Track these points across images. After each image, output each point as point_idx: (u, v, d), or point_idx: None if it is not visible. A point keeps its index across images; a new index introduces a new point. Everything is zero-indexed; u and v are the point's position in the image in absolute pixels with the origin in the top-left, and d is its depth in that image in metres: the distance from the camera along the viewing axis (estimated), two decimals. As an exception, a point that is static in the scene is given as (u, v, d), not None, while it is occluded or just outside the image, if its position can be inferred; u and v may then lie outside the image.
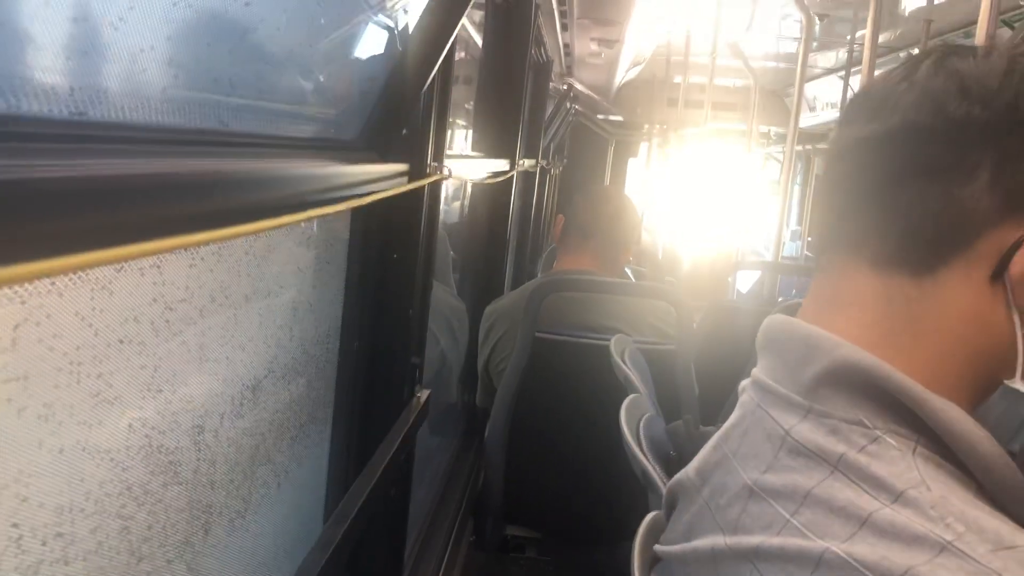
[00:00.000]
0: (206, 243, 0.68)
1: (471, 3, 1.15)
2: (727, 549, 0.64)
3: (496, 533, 2.35)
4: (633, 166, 9.17)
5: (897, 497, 0.56)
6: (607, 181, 8.68)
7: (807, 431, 0.62)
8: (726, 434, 0.74)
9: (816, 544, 0.56)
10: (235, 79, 0.78)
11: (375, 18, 1.08)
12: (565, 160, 7.75)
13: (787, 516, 0.60)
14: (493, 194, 2.71)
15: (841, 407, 0.61)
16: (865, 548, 0.54)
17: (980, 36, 1.99)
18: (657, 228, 8.12)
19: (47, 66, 0.50)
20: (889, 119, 0.65)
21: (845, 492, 0.57)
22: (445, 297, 2.38)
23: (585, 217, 2.35)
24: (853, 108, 0.70)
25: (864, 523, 0.55)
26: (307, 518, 1.10)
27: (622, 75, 5.98)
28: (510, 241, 2.98)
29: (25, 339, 0.49)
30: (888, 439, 0.59)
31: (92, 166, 0.49)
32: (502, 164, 2.47)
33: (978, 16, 1.98)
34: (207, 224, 0.58)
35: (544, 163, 4.77)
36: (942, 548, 0.52)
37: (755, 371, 0.73)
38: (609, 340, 1.72)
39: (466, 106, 2.94)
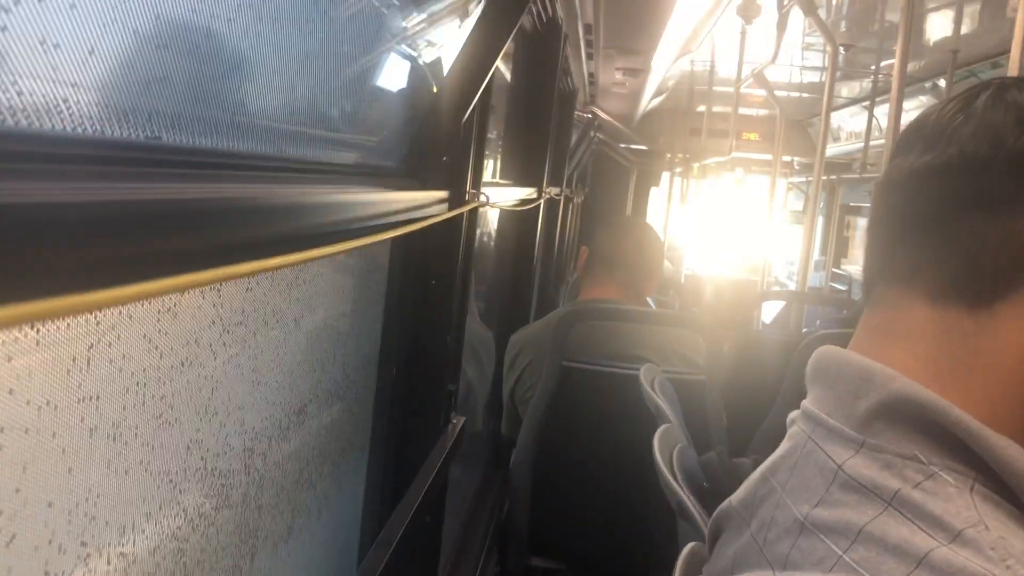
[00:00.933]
0: (261, 272, 0.70)
1: (511, 37, 1.16)
2: None
3: (520, 563, 2.34)
4: (655, 195, 9.18)
5: (955, 537, 0.54)
6: (629, 210, 8.69)
7: (860, 466, 0.61)
8: (774, 466, 0.73)
9: None
10: (286, 107, 0.80)
11: (418, 51, 1.11)
12: (587, 189, 7.77)
13: (839, 552, 0.58)
14: (520, 222, 2.72)
15: (896, 442, 0.60)
16: None
17: (1013, 67, 1.99)
18: (680, 258, 8.11)
19: (119, 88, 0.52)
20: (946, 150, 0.64)
21: (900, 530, 0.56)
22: (471, 325, 2.39)
23: (609, 248, 2.36)
24: (907, 139, 0.69)
25: (920, 562, 0.54)
26: (343, 545, 1.10)
27: (645, 104, 6.01)
28: (536, 269, 2.98)
29: (97, 359, 0.50)
30: (944, 475, 0.58)
31: (158, 190, 0.51)
32: (530, 192, 2.49)
33: (1006, 46, 1.98)
34: (261, 252, 0.59)
35: (568, 191, 4.79)
36: None
37: (805, 403, 0.72)
38: (637, 369, 1.72)
39: (489, 135, 2.96)
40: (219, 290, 0.65)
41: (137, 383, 0.55)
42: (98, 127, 0.47)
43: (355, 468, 1.13)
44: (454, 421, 1.27)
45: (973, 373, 0.62)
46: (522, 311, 2.81)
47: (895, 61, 2.82)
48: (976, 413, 0.59)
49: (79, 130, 0.45)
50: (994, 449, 0.58)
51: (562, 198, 4.20)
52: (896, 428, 0.61)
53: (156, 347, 0.57)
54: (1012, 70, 1.98)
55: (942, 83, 4.38)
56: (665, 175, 8.89)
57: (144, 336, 0.55)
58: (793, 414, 0.75)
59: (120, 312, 0.52)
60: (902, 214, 0.68)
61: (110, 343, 0.51)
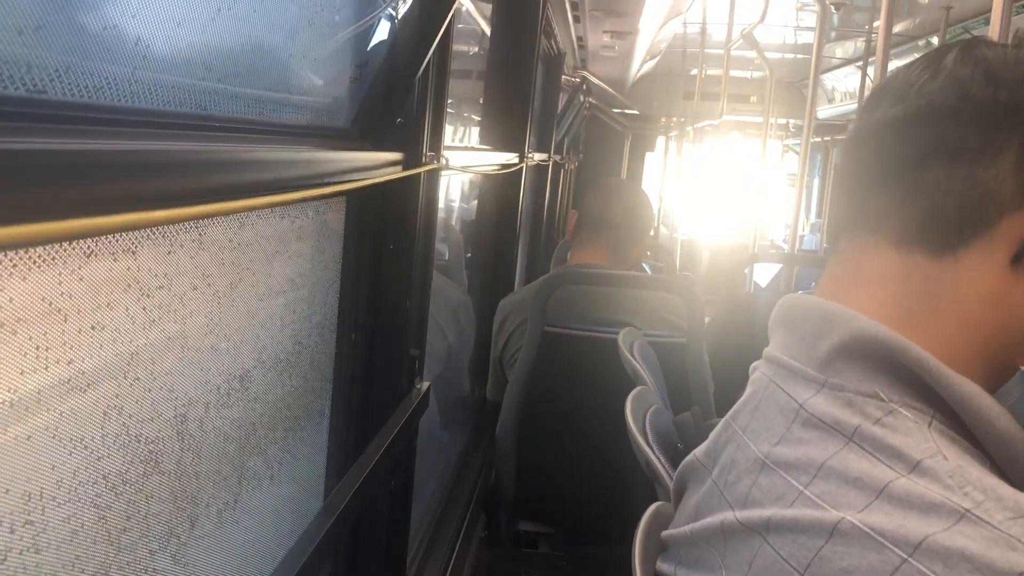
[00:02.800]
0: (186, 219, 0.68)
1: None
2: (736, 523, 0.63)
3: (508, 528, 2.35)
4: (650, 160, 9.12)
5: (914, 467, 0.56)
6: (624, 176, 8.64)
7: (821, 404, 0.62)
8: (736, 412, 0.74)
9: (830, 514, 0.56)
10: (225, 65, 0.77)
11: (370, 4, 1.07)
12: (581, 155, 7.72)
13: (800, 487, 0.59)
14: (502, 188, 2.69)
15: (856, 380, 0.62)
16: (881, 517, 0.54)
17: (994, 24, 1.95)
18: (675, 222, 8.08)
19: (47, 46, 0.50)
20: (914, 103, 0.66)
21: (861, 463, 0.57)
22: (450, 291, 2.38)
23: (598, 211, 2.34)
24: (876, 95, 0.71)
25: (880, 493, 0.55)
26: (304, 510, 1.09)
27: (637, 68, 5.95)
28: (520, 235, 2.96)
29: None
30: (904, 412, 0.59)
31: (78, 143, 0.49)
32: (510, 157, 2.45)
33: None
34: (188, 200, 0.58)
35: (558, 157, 4.75)
36: (961, 516, 0.52)
37: (768, 349, 0.73)
38: (618, 333, 1.71)
39: (480, 101, 2.93)
40: (135, 253, 0.63)
41: (36, 347, 0.53)
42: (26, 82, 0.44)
43: (315, 434, 1.12)
44: (419, 386, 1.26)
45: (934, 316, 0.64)
46: (506, 277, 2.80)
47: (881, 20, 2.78)
48: (936, 354, 0.61)
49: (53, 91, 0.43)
50: (952, 386, 0.59)
51: (550, 164, 4.17)
52: (857, 367, 0.62)
53: (59, 310, 0.55)
54: (993, 25, 1.94)
55: (935, 41, 4.33)
56: (660, 140, 8.83)
57: (43, 299, 0.53)
58: (756, 362, 0.76)
59: (11, 273, 0.50)
60: (870, 165, 0.69)
61: (1, 305, 0.49)
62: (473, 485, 2.37)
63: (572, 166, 6.70)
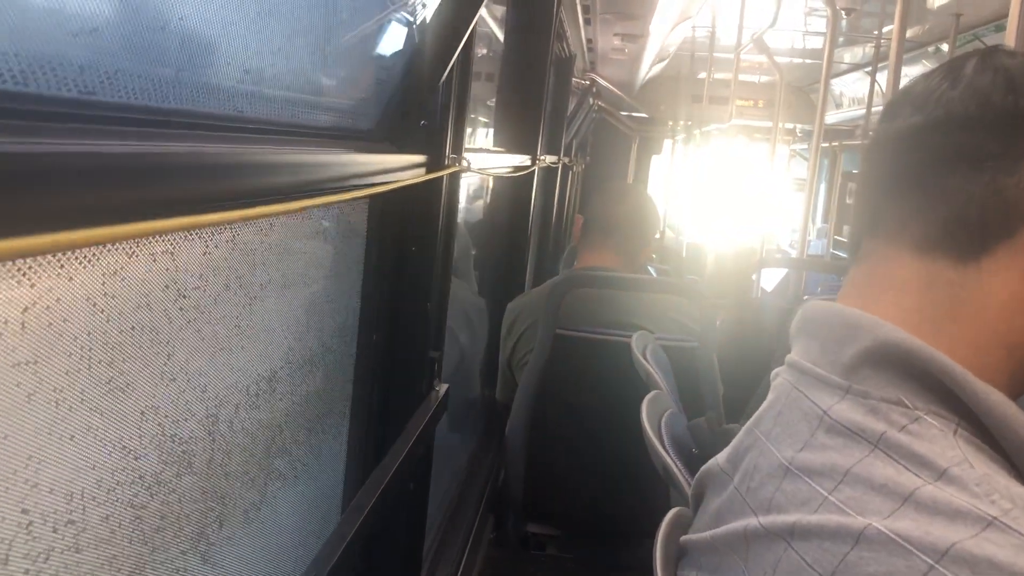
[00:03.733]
0: (218, 224, 0.68)
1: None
2: (760, 528, 0.63)
3: (517, 530, 2.35)
4: (657, 163, 9.11)
5: (941, 475, 0.56)
6: (630, 178, 8.63)
7: (846, 410, 0.62)
8: (759, 418, 0.74)
9: (856, 520, 0.55)
10: (255, 67, 0.78)
11: (394, 9, 1.08)
12: (588, 157, 7.72)
13: (825, 493, 0.59)
14: (514, 190, 2.70)
15: (881, 387, 0.61)
16: (908, 524, 0.53)
17: (1011, 30, 1.95)
18: (681, 226, 8.07)
19: (86, 46, 0.51)
20: (934, 111, 0.66)
21: (886, 470, 0.57)
22: (463, 293, 2.38)
23: (605, 214, 2.34)
24: (895, 104, 0.71)
25: (907, 500, 0.55)
26: (325, 511, 1.09)
27: (646, 71, 5.94)
28: (531, 237, 2.96)
29: (34, 323, 0.48)
30: (929, 419, 0.59)
31: (110, 145, 0.50)
32: (523, 160, 2.46)
33: (1008, 9, 1.94)
34: (219, 206, 0.58)
35: (567, 160, 4.75)
36: (988, 523, 0.52)
37: (790, 356, 0.73)
38: (630, 336, 1.71)
39: (488, 103, 2.93)
40: (172, 254, 0.63)
41: (80, 347, 0.54)
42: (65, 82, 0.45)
43: (335, 436, 1.13)
44: (437, 388, 1.26)
45: (958, 323, 0.64)
46: (518, 279, 2.80)
47: (895, 24, 2.78)
48: (960, 361, 0.61)
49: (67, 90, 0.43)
50: (978, 394, 0.59)
51: (560, 166, 4.17)
52: (882, 374, 0.62)
53: (101, 311, 0.55)
54: (1010, 32, 1.94)
55: (945, 47, 4.33)
56: (667, 143, 8.82)
57: (87, 299, 0.54)
58: (777, 369, 0.76)
59: (59, 274, 0.50)
60: (891, 172, 0.69)
61: (48, 306, 0.50)
62: (483, 487, 2.37)
63: (579, 168, 6.69)
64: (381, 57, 1.07)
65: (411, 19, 1.08)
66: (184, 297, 0.66)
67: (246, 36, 0.76)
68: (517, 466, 2.22)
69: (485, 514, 2.33)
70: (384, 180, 0.97)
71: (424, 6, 1.09)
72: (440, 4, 1.08)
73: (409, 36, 1.08)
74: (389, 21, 1.06)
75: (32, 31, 0.47)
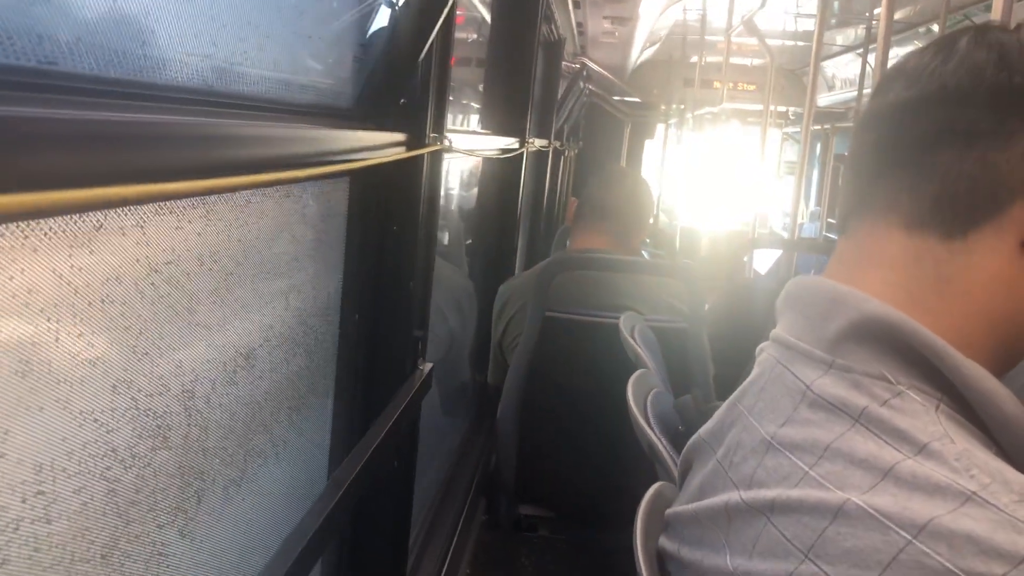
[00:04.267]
0: (192, 193, 0.68)
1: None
2: (741, 503, 0.63)
3: (509, 512, 2.35)
4: (650, 148, 9.10)
5: (920, 449, 0.56)
6: (623, 163, 8.63)
7: (829, 385, 0.62)
8: (742, 392, 0.74)
9: (835, 495, 0.56)
10: (232, 42, 0.78)
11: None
12: (580, 142, 7.70)
13: (805, 468, 0.59)
14: (503, 173, 2.69)
15: (864, 361, 0.62)
16: (887, 499, 0.54)
17: (995, 12, 1.95)
18: (674, 210, 8.07)
19: (51, 19, 0.50)
20: (927, 85, 0.65)
21: (867, 444, 0.57)
22: (452, 276, 2.38)
23: (599, 197, 2.34)
24: (888, 78, 0.71)
25: (886, 474, 0.55)
26: (308, 489, 1.09)
27: (637, 55, 5.93)
28: (520, 221, 2.96)
29: (-2, 294, 0.48)
30: (911, 394, 0.59)
31: (81, 113, 0.49)
32: (510, 142, 2.45)
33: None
34: (191, 175, 0.58)
35: (558, 144, 4.74)
36: (967, 498, 0.52)
37: (775, 331, 0.73)
38: (618, 318, 1.72)
39: (480, 87, 2.92)
40: (143, 228, 0.63)
41: (47, 319, 0.54)
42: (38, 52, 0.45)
43: (319, 414, 1.13)
44: (421, 367, 1.26)
45: (943, 299, 0.64)
46: (507, 262, 2.80)
47: (882, 6, 2.77)
48: (945, 337, 0.61)
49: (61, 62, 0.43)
50: (960, 369, 0.59)
51: (551, 150, 4.16)
52: (865, 348, 0.62)
53: (69, 283, 0.55)
54: (995, 11, 1.94)
55: (935, 28, 4.32)
56: (660, 128, 8.81)
57: (53, 271, 0.54)
58: (762, 344, 0.76)
59: (23, 244, 0.50)
60: (881, 147, 0.69)
61: (11, 276, 0.50)
62: (474, 469, 2.38)
63: (572, 153, 6.68)
64: (359, 34, 1.07)
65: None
66: (156, 272, 0.66)
67: (223, 10, 0.76)
68: (508, 448, 2.22)
69: (476, 497, 2.33)
70: (364, 157, 0.97)
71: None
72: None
73: (389, 12, 1.08)
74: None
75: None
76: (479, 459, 2.46)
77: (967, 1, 4.00)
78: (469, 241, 3.02)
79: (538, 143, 3.27)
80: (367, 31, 1.08)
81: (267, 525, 0.93)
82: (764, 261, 6.18)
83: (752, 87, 7.36)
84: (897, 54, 2.93)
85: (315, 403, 1.09)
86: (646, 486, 1.08)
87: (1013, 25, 0.69)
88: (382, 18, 1.08)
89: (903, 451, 0.56)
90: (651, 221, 2.79)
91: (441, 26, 1.11)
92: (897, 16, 4.49)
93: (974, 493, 0.52)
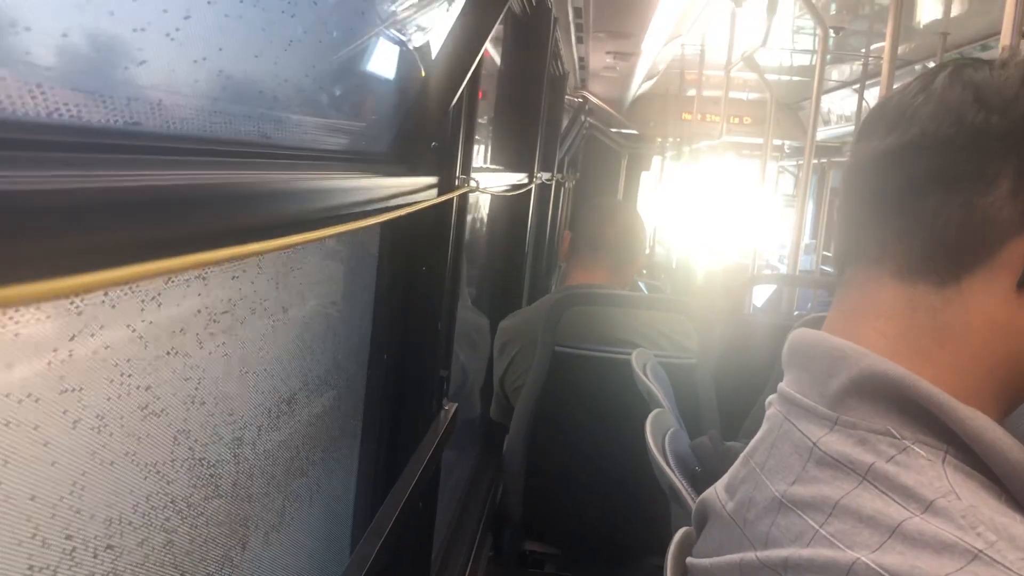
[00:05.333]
0: (245, 257, 0.69)
1: (498, 21, 1.15)
2: (756, 562, 0.63)
3: (515, 548, 2.34)
4: (646, 180, 9.16)
5: (927, 507, 0.56)
6: (620, 195, 8.68)
7: (835, 442, 0.62)
8: (753, 449, 0.74)
9: (846, 554, 0.56)
10: (272, 92, 0.79)
11: (406, 35, 1.09)
12: (578, 173, 7.75)
13: (816, 527, 0.59)
14: (511, 207, 2.71)
15: (868, 417, 0.61)
16: (895, 558, 0.54)
17: (1003, 48, 1.98)
18: (670, 242, 8.10)
19: (100, 76, 0.51)
20: (907, 131, 0.65)
21: (874, 502, 0.57)
22: (465, 312, 2.38)
23: (594, 231, 2.36)
24: (870, 123, 0.71)
25: (893, 532, 0.55)
26: (336, 533, 1.09)
27: (635, 88, 5.99)
28: (528, 254, 2.98)
29: (80, 350, 0.49)
30: (917, 449, 0.59)
31: (138, 176, 0.50)
32: (520, 178, 2.47)
33: (995, 29, 1.98)
34: (246, 238, 0.58)
35: (559, 176, 4.77)
36: (974, 556, 0.52)
37: (781, 385, 0.73)
38: (629, 354, 1.72)
39: (480, 120, 2.94)
40: (205, 279, 0.64)
41: (121, 373, 0.54)
42: (74, 112, 0.46)
43: (347, 456, 1.13)
44: (446, 408, 1.26)
45: (942, 347, 0.64)
46: (515, 296, 2.81)
47: (886, 43, 2.82)
48: (946, 386, 0.61)
49: (54, 116, 0.44)
50: (964, 420, 0.59)
51: (553, 183, 4.19)
52: (868, 404, 0.62)
53: (140, 337, 0.56)
54: (1002, 50, 1.97)
55: (931, 66, 4.36)
56: (656, 160, 8.87)
57: (128, 325, 0.54)
58: (770, 397, 0.76)
59: (103, 301, 0.51)
60: (868, 196, 0.69)
61: (92, 333, 0.50)
62: (482, 505, 2.37)
63: (570, 185, 6.73)
64: (395, 82, 1.09)
65: (424, 45, 1.09)
66: (215, 322, 0.66)
67: (274, 63, 0.77)
68: (515, 483, 2.22)
69: (484, 532, 2.32)
70: (399, 203, 0.98)
71: (435, 32, 1.11)
72: (451, 30, 1.09)
73: (422, 61, 1.10)
74: (402, 47, 1.07)
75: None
76: (487, 494, 2.45)
77: (964, 40, 4.06)
78: (470, 271, 3.02)
79: (543, 177, 3.30)
80: (403, 79, 1.09)
81: (304, 571, 0.92)
82: (761, 293, 6.21)
83: (748, 120, 7.43)
84: (891, 90, 2.95)
85: (346, 444, 1.09)
86: (653, 524, 1.08)
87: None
88: (414, 67, 1.09)
89: (910, 508, 0.56)
90: (647, 253, 2.79)
91: (471, 74, 1.13)
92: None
93: (981, 551, 0.52)
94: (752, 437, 0.79)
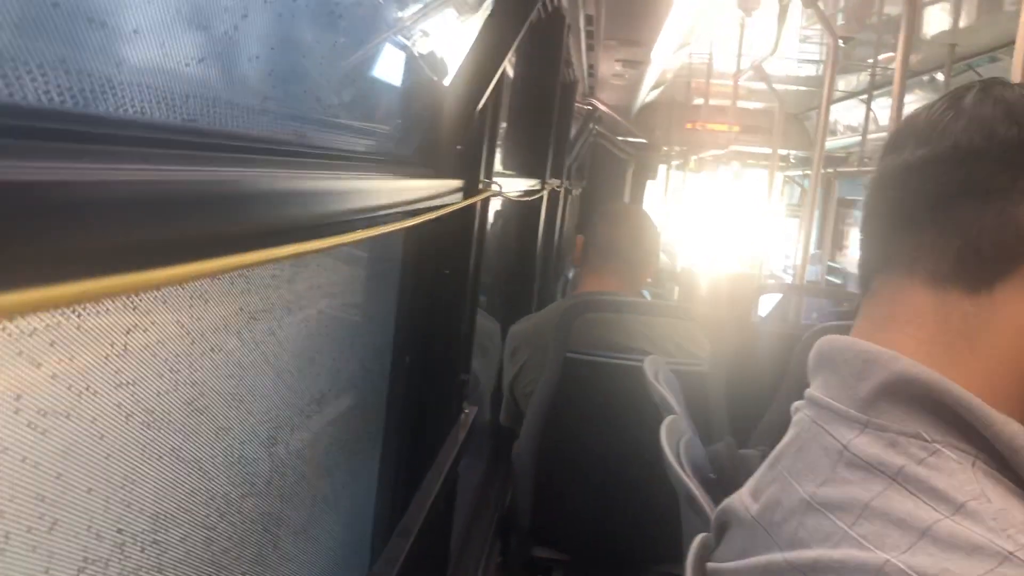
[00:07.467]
0: (286, 258, 0.69)
1: (524, 28, 1.16)
2: (784, 563, 0.63)
3: (523, 554, 2.34)
4: (651, 188, 9.17)
5: (958, 509, 0.56)
6: (627, 202, 8.68)
7: (865, 444, 0.62)
8: (780, 453, 0.74)
9: (876, 556, 0.56)
10: (311, 96, 0.79)
11: (433, 42, 1.10)
12: (585, 180, 7.76)
13: (845, 528, 0.59)
14: (522, 213, 2.71)
15: (899, 420, 0.62)
16: (926, 559, 0.54)
17: (1018, 60, 1.98)
18: (676, 251, 8.11)
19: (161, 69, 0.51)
20: (939, 144, 0.66)
21: (905, 504, 0.57)
22: (480, 318, 2.38)
23: (606, 238, 2.35)
24: (898, 137, 0.72)
25: (924, 534, 0.55)
26: (358, 534, 1.09)
27: (643, 96, 6.01)
28: (538, 260, 2.98)
29: (134, 344, 0.49)
30: (947, 452, 0.59)
31: (197, 173, 0.50)
32: (533, 183, 2.48)
33: (1003, 40, 1.98)
34: (287, 238, 0.59)
35: (567, 183, 4.78)
36: (1004, 558, 0.52)
37: (809, 391, 0.73)
38: (640, 361, 1.72)
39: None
40: (247, 277, 0.64)
41: (170, 369, 0.54)
42: (139, 108, 0.46)
43: (369, 457, 1.13)
44: (466, 411, 1.27)
45: (974, 353, 0.64)
46: (525, 302, 2.81)
47: (896, 54, 2.82)
48: (976, 391, 0.61)
49: (122, 111, 0.44)
50: (995, 425, 0.60)
51: (562, 190, 4.20)
52: (899, 407, 0.62)
53: (188, 333, 0.56)
54: (1016, 64, 1.97)
55: (940, 76, 4.39)
56: (661, 168, 8.88)
57: (177, 321, 0.55)
58: (797, 403, 0.77)
59: (156, 297, 0.51)
60: (899, 205, 0.70)
61: (146, 328, 0.50)
62: (492, 510, 2.37)
63: (578, 191, 6.73)
64: (423, 87, 1.09)
65: (451, 51, 1.10)
66: (255, 320, 0.67)
67: (307, 68, 0.77)
68: (524, 488, 2.21)
69: (494, 537, 2.32)
70: (425, 205, 0.98)
71: (461, 38, 1.12)
72: (478, 36, 1.10)
73: (449, 67, 1.10)
74: (431, 54, 1.08)
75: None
76: (496, 500, 2.45)
77: (971, 52, 4.06)
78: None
79: (553, 183, 3.31)
80: (430, 84, 1.10)
81: (326, 570, 0.92)
82: (766, 303, 6.21)
83: (754, 130, 7.43)
84: (916, 108, 2.95)
85: (369, 445, 1.09)
86: (663, 530, 1.08)
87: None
88: (444, 72, 1.10)
89: (941, 511, 0.56)
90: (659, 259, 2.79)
91: (497, 80, 1.13)
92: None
93: (1011, 553, 0.53)
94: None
